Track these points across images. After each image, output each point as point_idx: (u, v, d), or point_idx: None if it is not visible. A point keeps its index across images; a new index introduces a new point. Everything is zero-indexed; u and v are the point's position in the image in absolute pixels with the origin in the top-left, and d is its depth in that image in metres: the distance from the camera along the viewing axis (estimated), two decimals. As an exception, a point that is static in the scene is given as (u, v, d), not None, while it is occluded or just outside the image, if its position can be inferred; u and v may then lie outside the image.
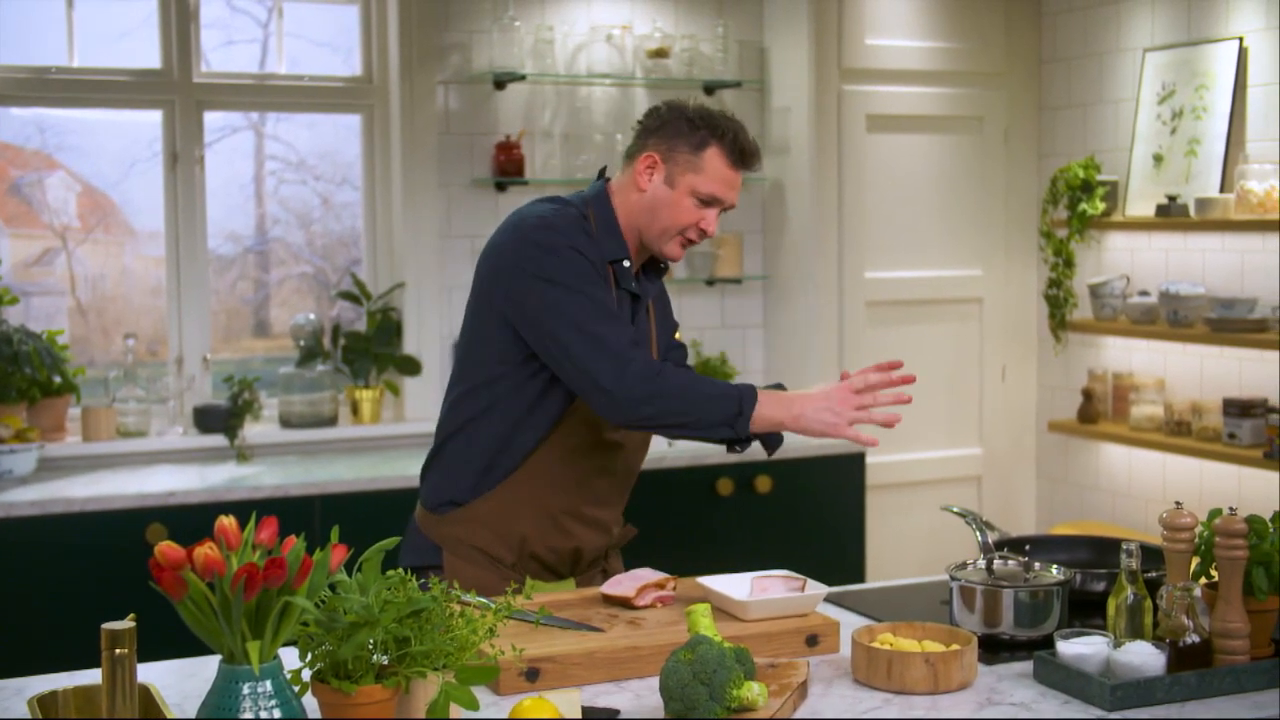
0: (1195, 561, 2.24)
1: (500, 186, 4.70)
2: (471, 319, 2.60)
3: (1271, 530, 2.22)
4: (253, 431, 4.50)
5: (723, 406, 2.42)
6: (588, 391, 2.43)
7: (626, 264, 2.55)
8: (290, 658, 1.86)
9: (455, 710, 1.82)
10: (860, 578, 4.61)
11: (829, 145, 4.95)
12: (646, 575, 2.40)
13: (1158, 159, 4.70)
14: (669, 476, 4.32)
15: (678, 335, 2.82)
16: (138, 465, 4.29)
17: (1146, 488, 4.87)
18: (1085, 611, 2.43)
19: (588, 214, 2.55)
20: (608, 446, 2.58)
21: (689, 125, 2.52)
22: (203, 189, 4.58)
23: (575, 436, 2.54)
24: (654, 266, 2.67)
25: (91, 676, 2.08)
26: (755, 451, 4.49)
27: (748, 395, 2.43)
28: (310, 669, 1.77)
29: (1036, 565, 2.39)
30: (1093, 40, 5.04)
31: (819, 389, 2.46)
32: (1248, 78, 4.43)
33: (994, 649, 2.27)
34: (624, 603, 2.36)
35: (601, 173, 2.68)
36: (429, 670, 1.76)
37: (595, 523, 2.62)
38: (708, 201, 2.52)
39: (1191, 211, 4.46)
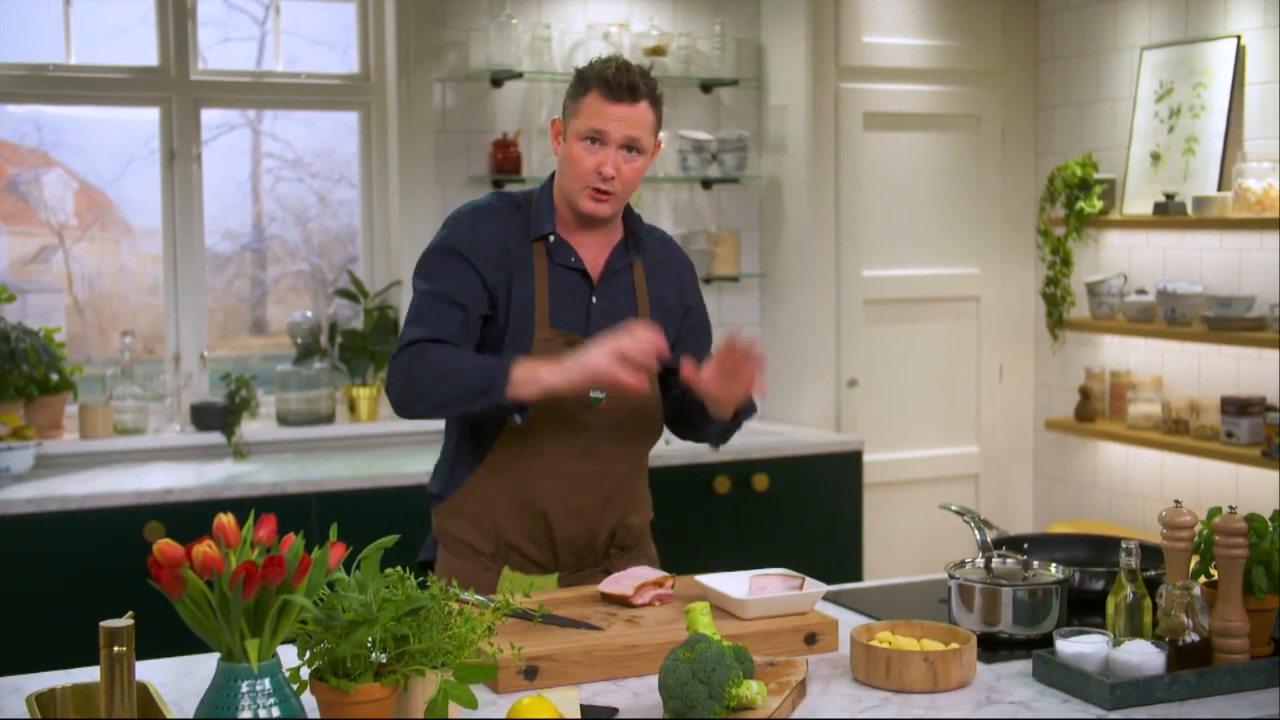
0: (1195, 560, 2.24)
1: (497, 184, 4.69)
2: None
3: (1271, 529, 2.22)
4: (250, 429, 4.49)
5: (474, 378, 2.43)
6: None
7: (553, 239, 2.58)
8: (289, 656, 1.86)
9: (454, 709, 1.82)
10: (857, 576, 4.61)
11: (826, 143, 4.95)
12: (644, 573, 2.40)
13: (1155, 157, 4.70)
14: (666, 474, 4.31)
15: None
16: (135, 463, 4.28)
17: (1144, 486, 4.87)
18: (1084, 610, 2.43)
19: (530, 200, 2.62)
20: (579, 429, 2.54)
21: (575, 82, 2.57)
22: (200, 186, 4.58)
23: (540, 424, 2.51)
24: (634, 243, 2.66)
25: (90, 674, 2.07)
26: (753, 450, 4.51)
27: (502, 362, 2.43)
28: (309, 667, 1.77)
29: (1035, 564, 2.39)
30: (1090, 38, 5.04)
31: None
32: (1245, 76, 4.43)
33: (993, 647, 2.27)
34: (622, 601, 2.36)
35: None
36: (427, 668, 1.76)
37: (574, 511, 2.57)
38: (593, 139, 2.51)
39: (1189, 210, 4.46)
